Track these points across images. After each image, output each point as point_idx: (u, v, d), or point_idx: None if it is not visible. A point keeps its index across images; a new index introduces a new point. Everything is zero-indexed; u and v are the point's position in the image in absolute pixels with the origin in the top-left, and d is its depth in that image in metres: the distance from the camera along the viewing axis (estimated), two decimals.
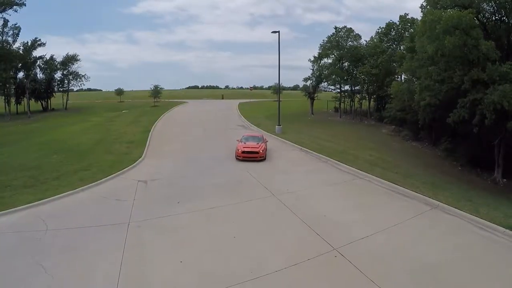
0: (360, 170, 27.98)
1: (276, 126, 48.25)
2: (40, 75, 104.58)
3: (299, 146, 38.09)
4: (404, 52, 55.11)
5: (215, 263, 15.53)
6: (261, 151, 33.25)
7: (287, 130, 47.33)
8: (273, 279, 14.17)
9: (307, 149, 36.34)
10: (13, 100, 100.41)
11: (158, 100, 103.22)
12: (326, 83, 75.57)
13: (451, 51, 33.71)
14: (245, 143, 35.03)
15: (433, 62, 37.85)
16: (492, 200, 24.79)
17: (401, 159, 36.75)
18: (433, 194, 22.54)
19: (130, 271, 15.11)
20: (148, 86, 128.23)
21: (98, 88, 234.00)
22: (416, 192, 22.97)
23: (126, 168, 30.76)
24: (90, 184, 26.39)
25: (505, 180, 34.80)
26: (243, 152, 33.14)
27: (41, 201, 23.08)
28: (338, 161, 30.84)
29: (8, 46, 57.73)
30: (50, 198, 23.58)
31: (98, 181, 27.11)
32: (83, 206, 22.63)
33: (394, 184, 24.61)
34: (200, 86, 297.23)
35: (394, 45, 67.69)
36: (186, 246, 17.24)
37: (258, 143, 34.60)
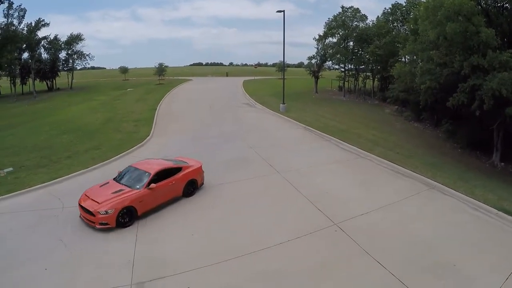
0: (362, 149, 28.69)
1: (281, 105, 48.47)
2: (44, 55, 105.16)
3: (303, 125, 38.55)
4: (408, 33, 55.33)
5: (223, 236, 16.83)
6: (103, 211, 17.44)
7: (291, 109, 47.80)
8: (277, 250, 15.44)
9: (311, 128, 36.85)
10: (18, 80, 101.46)
11: (162, 78, 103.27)
12: (330, 62, 75.64)
13: (452, 37, 34.09)
14: (99, 188, 19.93)
15: (435, 46, 38.14)
16: (488, 183, 25.56)
17: (403, 139, 37.38)
18: (431, 175, 23.36)
19: (145, 245, 16.44)
20: (152, 63, 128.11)
21: (102, 66, 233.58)
22: (416, 172, 23.77)
23: (135, 147, 31.84)
24: (102, 163, 27.57)
25: (502, 163, 35.34)
26: (80, 205, 18.72)
27: (55, 180, 24.31)
28: (341, 140, 31.50)
29: (14, 28, 58.12)
30: (64, 177, 24.79)
31: (109, 160, 28.29)
32: (95, 184, 23.51)
33: (394, 164, 25.39)
34: (204, 63, 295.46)
35: (398, 26, 67.74)
36: (197, 220, 18.57)
37: (116, 193, 18.55)
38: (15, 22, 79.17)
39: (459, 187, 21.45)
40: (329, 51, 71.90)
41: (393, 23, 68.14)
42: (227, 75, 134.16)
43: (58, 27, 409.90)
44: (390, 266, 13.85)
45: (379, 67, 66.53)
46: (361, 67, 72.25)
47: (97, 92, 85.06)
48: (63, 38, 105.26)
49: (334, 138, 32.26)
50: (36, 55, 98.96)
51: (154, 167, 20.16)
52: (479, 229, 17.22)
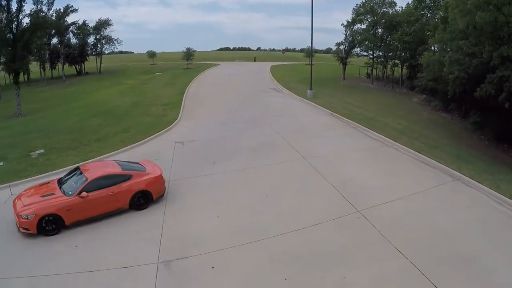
0: (388, 138, 28.50)
1: (308, 90, 48.09)
2: (73, 40, 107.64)
3: (329, 111, 38.34)
4: (438, 21, 54.48)
5: (248, 219, 17.37)
6: (25, 216, 16.04)
7: (319, 95, 47.58)
8: (300, 234, 15.85)
9: (337, 115, 36.65)
10: (48, 65, 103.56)
11: (190, 62, 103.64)
12: (359, 48, 74.87)
13: (482, 27, 33.62)
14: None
15: (465, 36, 37.68)
16: None
17: (429, 129, 36.98)
18: (456, 166, 23.08)
19: (172, 225, 17.20)
20: (180, 48, 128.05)
21: (129, 51, 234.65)
22: (441, 163, 23.55)
23: (164, 130, 32.36)
24: (131, 145, 28.34)
25: None
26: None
27: (86, 161, 24.82)
28: (367, 127, 31.30)
29: (43, 14, 59.49)
30: (94, 159, 25.53)
31: (138, 142, 28.99)
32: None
33: (420, 154, 25.20)
34: (232, 48, 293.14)
35: (429, 14, 66.52)
36: (222, 203, 19.13)
37: (45, 197, 16.88)
38: (45, 8, 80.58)
39: (484, 180, 21.09)
40: (357, 38, 71.13)
41: (422, 10, 66.87)
42: (254, 60, 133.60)
43: (86, 13, 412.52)
44: (410, 255, 14.03)
45: (408, 55, 65.57)
46: (389, 54, 71.22)
47: (125, 76, 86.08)
48: (91, 23, 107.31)
49: (361, 126, 32.12)
50: (65, 40, 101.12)
51: (93, 173, 18.02)
52: (502, 223, 17.01)
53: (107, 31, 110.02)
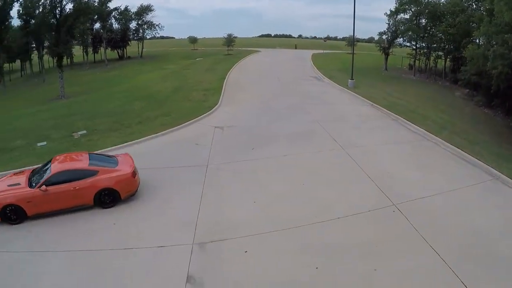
0: (428, 132, 27.71)
1: (349, 80, 47.49)
2: (115, 25, 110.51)
3: (370, 102, 37.73)
4: (483, 13, 52.68)
5: (284, 206, 17.34)
6: None
7: (359, 85, 46.89)
8: (333, 225, 15.73)
9: (378, 105, 36.02)
10: (90, 49, 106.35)
11: (231, 49, 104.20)
12: (401, 39, 73.34)
13: None
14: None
15: (511, 29, 36.36)
16: None
17: (471, 125, 35.83)
18: (496, 165, 21.87)
19: (208, 208, 17.39)
20: (220, 34, 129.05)
21: (171, 36, 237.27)
22: (480, 161, 22.48)
23: (204, 115, 32.69)
24: (171, 129, 28.72)
25: None
26: None
27: (127, 143, 25.78)
28: (408, 120, 30.63)
29: (86, 0, 61.26)
30: (135, 141, 26.21)
31: (178, 126, 29.38)
32: (165, 149, 25.10)
33: (459, 150, 24.24)
34: (273, 35, 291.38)
35: (474, 5, 64.31)
36: (259, 189, 19.18)
37: (10, 187, 16.92)
38: None
39: None
40: (400, 28, 69.63)
41: (468, 1, 64.74)
42: (295, 48, 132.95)
43: None
44: (442, 252, 13.61)
45: (452, 47, 63.65)
46: (433, 45, 69.35)
47: (167, 61, 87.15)
48: (133, 9, 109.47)
49: (401, 118, 31.46)
50: (108, 26, 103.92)
51: (58, 166, 17.46)
52: None
53: (148, 17, 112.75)
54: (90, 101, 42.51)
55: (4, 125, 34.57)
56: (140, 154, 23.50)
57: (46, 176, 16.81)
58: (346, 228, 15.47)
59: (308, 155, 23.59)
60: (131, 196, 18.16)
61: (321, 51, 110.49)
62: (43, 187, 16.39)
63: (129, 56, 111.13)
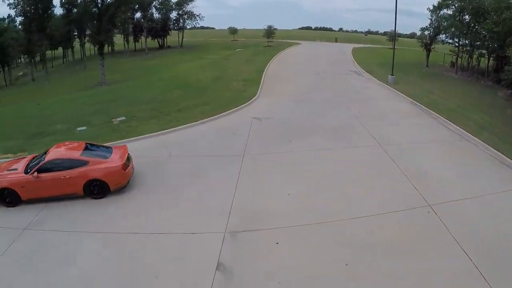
0: (468, 132, 26.92)
1: (389, 76, 46.51)
2: (156, 15, 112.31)
3: (410, 99, 36.86)
4: None
5: (318, 200, 17.23)
6: None
7: (400, 81, 45.89)
8: (368, 221, 15.50)
9: (417, 103, 35.05)
10: (131, 38, 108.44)
11: (271, 40, 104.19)
12: (444, 35, 71.38)
13: None
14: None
15: None
16: None
17: None
18: None
19: (243, 198, 17.48)
20: (261, 25, 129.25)
21: (211, 26, 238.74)
22: None
23: (242, 105, 32.81)
24: (209, 118, 28.95)
25: None
26: None
27: (165, 130, 26.23)
28: (447, 119, 29.83)
29: None
30: (173, 129, 26.60)
31: (217, 116, 29.57)
32: (202, 137, 25.37)
33: (499, 153, 23.44)
34: (313, 27, 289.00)
35: None
36: (294, 181, 19.06)
37: (8, 172, 17.87)
38: None
39: None
40: (443, 24, 67.84)
41: None
42: (336, 41, 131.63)
43: None
44: (474, 258, 13.09)
45: (495, 45, 61.48)
46: (476, 43, 67.15)
47: (206, 51, 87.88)
48: None
49: (441, 117, 30.55)
50: (148, 15, 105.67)
51: (52, 154, 18.01)
52: None
53: (189, 7, 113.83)
54: (130, 88, 43.27)
55: (46, 110, 35.88)
56: (178, 142, 24.34)
57: (39, 164, 17.38)
58: (379, 226, 15.26)
59: (345, 150, 23.35)
60: (122, 188, 18.21)
61: (362, 45, 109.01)
62: (35, 174, 16.97)
63: (169, 46, 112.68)
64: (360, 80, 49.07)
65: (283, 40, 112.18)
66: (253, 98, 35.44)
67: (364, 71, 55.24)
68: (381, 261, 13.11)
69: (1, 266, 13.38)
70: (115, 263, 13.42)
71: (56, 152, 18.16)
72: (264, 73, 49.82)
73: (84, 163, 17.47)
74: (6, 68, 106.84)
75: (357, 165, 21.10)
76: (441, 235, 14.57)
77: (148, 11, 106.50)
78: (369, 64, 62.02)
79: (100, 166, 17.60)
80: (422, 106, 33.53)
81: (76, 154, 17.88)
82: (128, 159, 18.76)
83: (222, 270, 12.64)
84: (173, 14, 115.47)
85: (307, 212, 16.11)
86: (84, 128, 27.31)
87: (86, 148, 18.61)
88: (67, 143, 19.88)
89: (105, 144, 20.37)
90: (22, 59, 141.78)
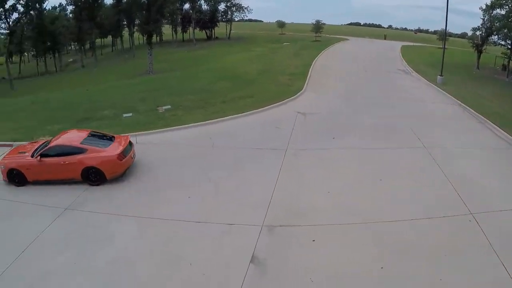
0: None
1: (438, 76, 45.25)
2: (204, 6, 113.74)
3: (458, 101, 35.70)
4: None
5: (358, 199, 17.04)
6: (2, 166, 18.94)
7: (449, 82, 44.52)
8: (407, 225, 15.17)
9: (466, 106, 33.79)
10: (179, 29, 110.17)
11: (319, 35, 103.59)
12: (496, 36, 68.80)
13: None
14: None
15: None
16: None
17: None
18: None
19: (282, 192, 17.51)
20: (308, 19, 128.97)
21: (259, 19, 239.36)
22: None
23: (287, 99, 32.70)
24: (255, 110, 29.07)
25: None
26: None
27: (209, 121, 26.60)
28: (496, 125, 28.86)
29: None
30: (218, 119, 26.92)
31: (261, 109, 29.63)
32: (246, 129, 25.59)
33: None
34: (362, 24, 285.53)
35: None
36: (335, 179, 18.95)
37: (18, 155, 19.40)
38: None
39: None
40: (495, 24, 65.50)
41: None
42: (385, 38, 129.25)
43: None
44: None
45: None
46: None
47: (254, 43, 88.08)
48: None
49: (489, 122, 29.27)
50: (197, 6, 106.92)
51: (55, 141, 19.28)
52: None
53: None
54: (177, 78, 43.87)
55: (95, 96, 36.88)
56: (222, 133, 24.65)
57: (43, 148, 18.70)
58: (417, 230, 14.91)
59: (389, 151, 22.92)
60: (118, 177, 18.81)
61: (411, 44, 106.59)
62: (38, 158, 18.20)
63: (217, 37, 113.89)
64: (408, 79, 48.14)
65: (331, 36, 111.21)
66: (299, 93, 35.29)
67: (412, 70, 54.11)
68: (416, 267, 12.86)
69: (41, 243, 14.11)
70: (151, 247, 13.91)
71: (59, 139, 19.34)
72: (311, 67, 49.49)
73: (82, 150, 18.38)
74: (56, 55, 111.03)
75: (400, 166, 20.75)
76: (481, 246, 14.06)
77: (197, 3, 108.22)
78: (417, 63, 60.77)
79: (97, 155, 18.41)
80: (471, 110, 32.45)
81: (76, 142, 18.81)
82: (127, 150, 19.30)
83: (256, 263, 12.79)
84: (222, 6, 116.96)
85: (346, 211, 16.01)
86: (130, 114, 28.08)
87: (88, 137, 19.53)
88: (74, 130, 20.92)
89: (109, 134, 20.89)
90: (72, 47, 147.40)
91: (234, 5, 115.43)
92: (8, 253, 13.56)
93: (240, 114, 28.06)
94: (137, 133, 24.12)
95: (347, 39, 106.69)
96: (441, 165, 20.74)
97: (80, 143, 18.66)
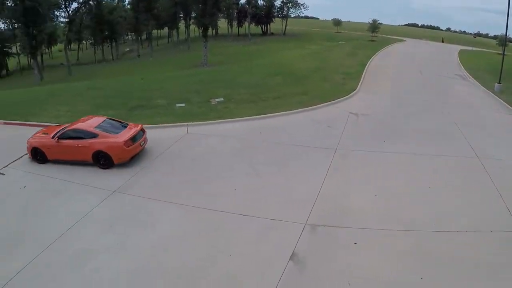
0: None
1: (496, 84, 43.35)
2: (260, 1, 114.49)
3: None
4: None
5: (405, 206, 16.52)
6: (28, 144, 20.87)
7: (506, 90, 42.67)
8: (453, 237, 14.50)
9: None
10: (235, 23, 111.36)
11: (375, 35, 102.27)
12: None
13: None
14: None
15: None
16: None
17: None
18: None
19: (328, 192, 17.29)
20: (364, 18, 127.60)
21: (315, 16, 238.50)
22: None
23: (340, 99, 32.31)
24: (306, 108, 28.85)
25: None
26: None
27: (261, 115, 26.67)
28: None
29: None
30: (269, 115, 26.95)
31: (314, 106, 29.39)
32: (297, 126, 25.45)
33: None
34: (419, 25, 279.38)
35: None
36: (383, 183, 18.43)
37: (42, 135, 21.33)
38: None
39: None
40: None
41: None
42: (442, 41, 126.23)
43: None
44: None
45: None
46: None
47: (309, 41, 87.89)
48: None
49: None
50: (253, 1, 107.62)
51: (73, 125, 21.11)
52: None
53: None
54: (231, 71, 44.23)
55: (150, 85, 37.75)
56: (272, 128, 24.74)
57: (61, 131, 20.47)
58: (463, 244, 14.20)
59: (440, 158, 22.01)
60: (125, 162, 19.97)
61: (469, 48, 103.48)
62: (56, 139, 20.01)
63: (272, 33, 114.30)
64: (464, 85, 46.63)
65: (387, 36, 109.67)
66: (352, 93, 34.82)
67: (469, 75, 52.45)
68: (456, 281, 12.34)
69: (87, 222, 14.96)
70: (194, 235, 14.22)
71: (76, 124, 21.14)
72: (365, 68, 48.84)
73: (94, 135, 19.92)
74: (113, 44, 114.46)
75: (451, 175, 19.88)
76: None
77: None
78: (475, 68, 58.73)
79: (106, 140, 19.86)
80: None
81: (90, 127, 20.42)
82: (135, 137, 20.47)
83: (295, 261, 12.74)
84: (278, 2, 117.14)
85: (391, 217, 15.58)
86: (183, 104, 28.63)
87: (103, 123, 21.05)
88: (91, 117, 22.44)
89: (124, 122, 22.19)
90: (129, 37, 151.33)
91: (290, 1, 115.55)
92: (56, 227, 14.61)
93: (292, 111, 27.94)
94: (188, 123, 24.76)
95: (403, 40, 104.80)
96: (493, 177, 19.62)
97: (94, 129, 20.29)
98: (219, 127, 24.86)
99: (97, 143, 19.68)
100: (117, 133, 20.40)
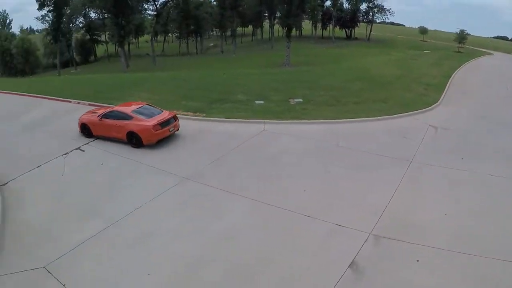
0: None
1: None
2: (346, 5, 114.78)
3: None
4: None
5: (477, 230, 15.37)
6: (79, 120, 24.91)
7: None
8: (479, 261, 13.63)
9: None
10: (319, 25, 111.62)
11: (462, 46, 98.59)
12: None
13: None
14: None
15: None
16: None
17: None
18: None
19: (398, 204, 16.93)
20: (452, 28, 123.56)
21: (400, 23, 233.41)
22: None
23: (421, 110, 31.24)
24: (385, 116, 28.32)
25: None
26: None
27: (338, 119, 26.69)
28: None
29: None
30: (347, 119, 26.87)
31: (393, 115, 28.74)
32: (374, 133, 25.16)
33: None
34: (510, 38, 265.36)
35: None
36: (455, 202, 17.43)
37: (91, 114, 25.22)
38: None
39: None
40: None
41: None
42: None
43: None
44: None
45: None
46: None
47: (393, 47, 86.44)
48: None
49: None
50: (338, 4, 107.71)
51: (115, 107, 24.69)
52: None
53: (380, 0, 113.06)
54: (312, 73, 44.27)
55: (232, 80, 38.91)
56: (348, 133, 24.71)
57: (105, 112, 23.92)
58: (485, 270, 13.24)
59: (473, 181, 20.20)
60: (152, 144, 22.68)
61: None
62: (100, 117, 23.54)
63: (356, 37, 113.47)
64: None
65: (475, 48, 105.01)
66: (434, 105, 33.59)
67: None
68: None
69: (156, 204, 16.39)
70: (258, 230, 14.73)
71: (118, 107, 24.76)
72: (449, 80, 46.87)
73: (130, 117, 22.97)
74: (198, 38, 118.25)
75: (476, 194, 18.45)
76: None
77: (338, 1, 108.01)
78: None
79: (138, 123, 22.71)
80: None
81: (128, 111, 23.50)
82: (165, 123, 23.04)
83: (354, 269, 12.77)
84: (363, 6, 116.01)
85: (460, 239, 14.74)
86: (262, 102, 29.42)
87: (140, 108, 23.99)
88: (132, 102, 26.16)
89: (159, 109, 24.64)
90: (214, 32, 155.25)
91: (376, 6, 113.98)
92: (126, 205, 16.34)
93: (370, 118, 27.65)
94: (265, 120, 25.52)
95: (491, 53, 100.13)
96: None
97: (130, 112, 23.30)
98: (295, 127, 25.27)
99: (131, 125, 22.74)
100: (149, 117, 23.08)
